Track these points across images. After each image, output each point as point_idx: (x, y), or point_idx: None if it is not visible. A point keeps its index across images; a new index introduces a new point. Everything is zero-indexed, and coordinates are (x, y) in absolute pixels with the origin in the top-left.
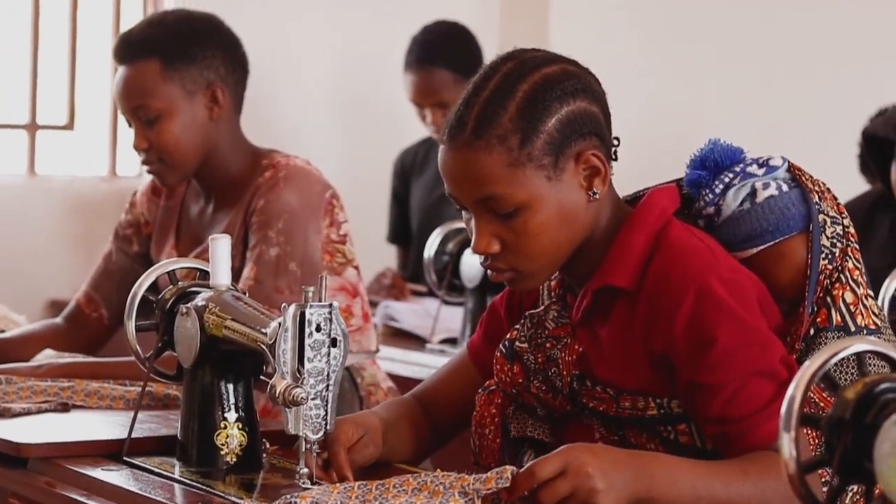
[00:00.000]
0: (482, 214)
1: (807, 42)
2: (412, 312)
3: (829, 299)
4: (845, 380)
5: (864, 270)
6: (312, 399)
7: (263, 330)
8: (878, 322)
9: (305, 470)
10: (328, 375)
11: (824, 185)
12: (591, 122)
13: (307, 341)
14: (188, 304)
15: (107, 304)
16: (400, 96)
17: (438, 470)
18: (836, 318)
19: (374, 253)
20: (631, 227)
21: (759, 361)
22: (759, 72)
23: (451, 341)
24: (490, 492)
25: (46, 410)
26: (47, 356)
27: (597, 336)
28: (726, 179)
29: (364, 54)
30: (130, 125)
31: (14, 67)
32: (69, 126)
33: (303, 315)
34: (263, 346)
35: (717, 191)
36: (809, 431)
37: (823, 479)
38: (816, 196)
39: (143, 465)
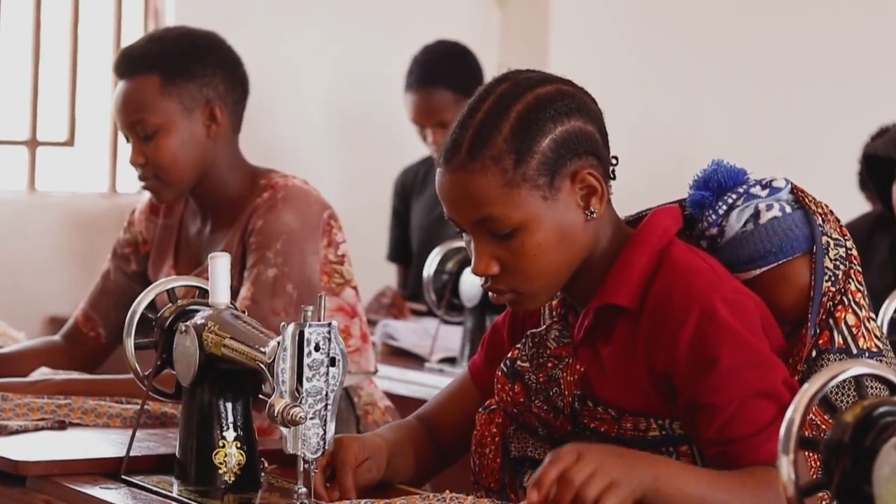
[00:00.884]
0: (480, 236)
1: (805, 60)
2: (411, 331)
3: (831, 321)
4: (845, 402)
5: (866, 293)
6: (311, 418)
7: (262, 349)
8: (880, 345)
9: (304, 489)
10: (327, 395)
11: (827, 207)
12: (587, 141)
13: (306, 360)
14: (187, 323)
15: (104, 324)
16: (399, 115)
17: (448, 491)
18: (838, 340)
19: (374, 271)
20: (633, 247)
21: (760, 382)
22: (758, 91)
23: (450, 360)
24: None
25: (43, 428)
26: (43, 374)
27: (599, 356)
28: (730, 200)
29: (363, 72)
30: (128, 140)
31: (15, 83)
32: (69, 142)
33: (302, 334)
34: (262, 365)
35: (721, 212)
36: (810, 454)
37: (823, 503)
38: (819, 218)
39: (141, 483)
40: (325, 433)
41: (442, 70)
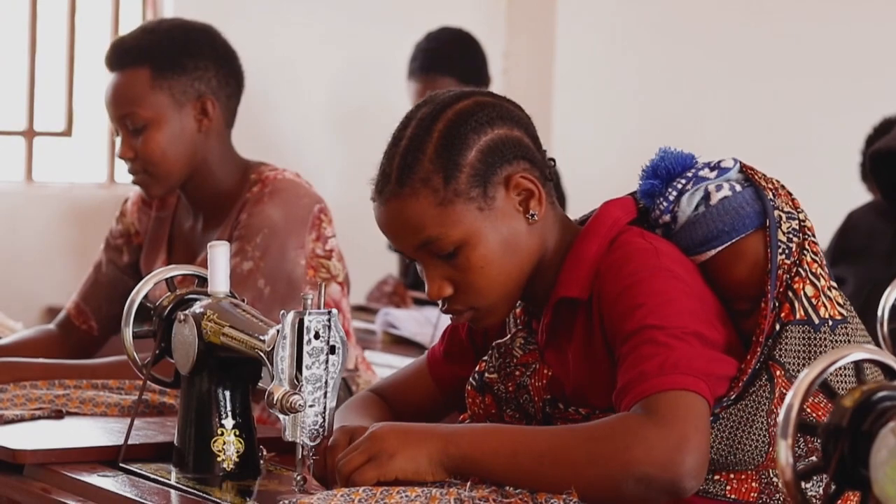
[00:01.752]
0: (428, 260)
1: (807, 56)
2: (412, 320)
3: (790, 294)
4: (842, 388)
5: (824, 262)
6: (310, 406)
7: (262, 337)
8: (844, 312)
9: (302, 477)
10: (326, 382)
11: (778, 182)
12: (515, 146)
13: (305, 348)
14: (186, 311)
15: (96, 317)
16: (400, 105)
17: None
18: (799, 311)
19: (375, 261)
20: (583, 240)
21: (661, 332)
22: (761, 87)
23: None
24: (485, 501)
25: (40, 417)
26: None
27: (565, 356)
28: (679, 186)
29: (364, 64)
30: (117, 133)
31: (11, 74)
32: (67, 133)
33: (301, 322)
34: (261, 354)
35: (671, 198)
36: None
37: (813, 484)
38: (770, 193)
39: (139, 471)
40: (324, 421)
41: (445, 58)
